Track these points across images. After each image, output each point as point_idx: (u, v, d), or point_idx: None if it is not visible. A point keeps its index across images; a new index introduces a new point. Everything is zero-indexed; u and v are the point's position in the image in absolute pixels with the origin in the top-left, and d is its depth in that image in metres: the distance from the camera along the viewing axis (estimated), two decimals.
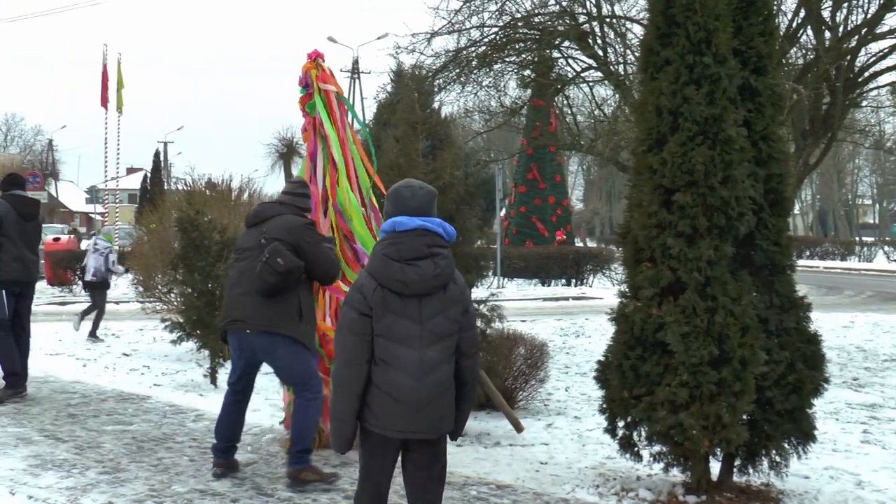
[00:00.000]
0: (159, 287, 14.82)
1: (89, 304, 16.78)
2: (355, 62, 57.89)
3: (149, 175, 64.45)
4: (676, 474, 6.76)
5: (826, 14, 16.31)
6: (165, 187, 50.26)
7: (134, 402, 10.30)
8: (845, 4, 16.32)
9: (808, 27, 16.42)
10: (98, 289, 16.49)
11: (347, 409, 4.54)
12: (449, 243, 4.65)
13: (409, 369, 4.48)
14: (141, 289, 15.80)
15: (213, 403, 9.99)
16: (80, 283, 23.25)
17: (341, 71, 60.42)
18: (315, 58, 8.24)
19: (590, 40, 17.08)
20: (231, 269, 7.45)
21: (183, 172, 60.25)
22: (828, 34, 16.41)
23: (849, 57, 16.20)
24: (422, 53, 17.16)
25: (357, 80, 57.69)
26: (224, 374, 11.58)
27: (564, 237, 38.71)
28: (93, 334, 15.95)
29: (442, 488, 4.79)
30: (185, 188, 17.58)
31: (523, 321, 17.87)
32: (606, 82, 18.35)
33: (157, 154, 67.00)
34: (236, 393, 7.17)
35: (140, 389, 11.14)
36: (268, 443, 8.32)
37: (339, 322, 4.68)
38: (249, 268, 6.87)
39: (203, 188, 15.74)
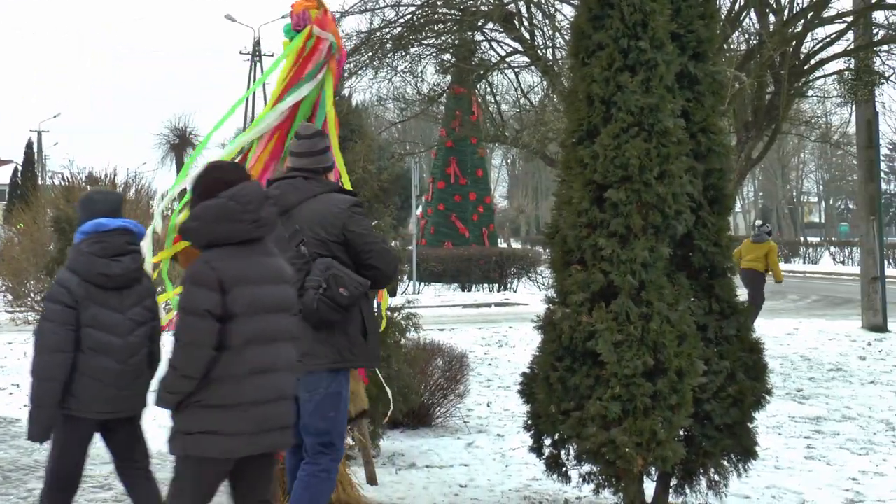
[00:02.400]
0: (32, 295, 14.53)
1: None
2: (256, 43, 57.42)
3: (20, 168, 63.04)
4: (607, 496, 6.84)
5: None
6: (40, 182, 49.24)
7: (0, 427, 10.08)
8: None
9: (752, 10, 16.77)
10: None
11: (51, 397, 5.45)
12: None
13: (116, 355, 5.44)
14: (10, 297, 15.50)
15: None
16: None
17: (240, 53, 59.97)
18: None
19: (515, 22, 17.21)
20: None
21: (60, 166, 59.15)
22: (772, 17, 16.78)
23: (794, 43, 16.59)
24: None
25: (258, 63, 57.23)
26: None
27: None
28: None
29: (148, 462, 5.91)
30: (62, 183, 17.31)
31: (441, 330, 17.93)
32: (533, 68, 18.51)
33: (29, 144, 65.61)
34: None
35: (8, 412, 10.93)
36: (156, 469, 8.20)
37: (43, 315, 5.57)
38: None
39: (83, 183, 15.47)
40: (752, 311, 16.06)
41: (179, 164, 53.54)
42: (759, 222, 18.89)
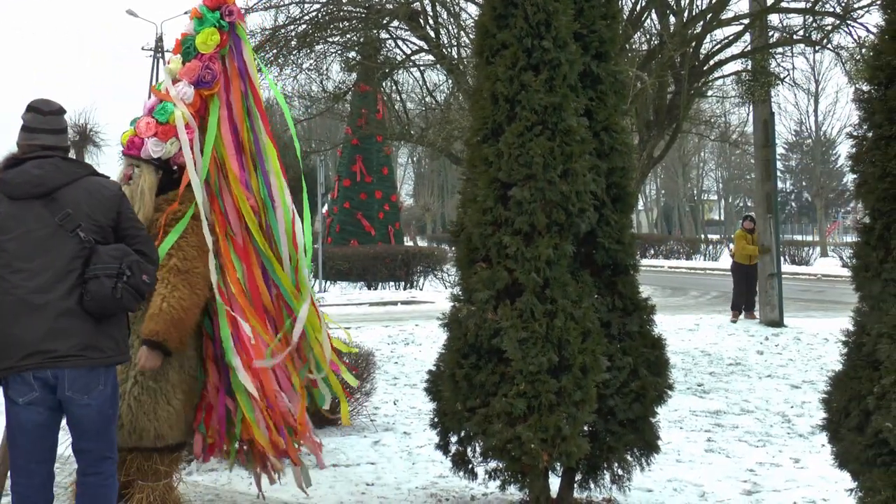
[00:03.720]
0: None
1: None
2: (159, 39, 56.53)
3: None
4: (514, 492, 6.88)
5: None
6: None
7: None
8: None
9: (653, 11, 17.00)
10: None
11: None
12: None
13: None
14: None
15: None
16: None
17: (143, 49, 59.07)
18: None
19: (421, 20, 17.20)
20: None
21: None
22: (673, 19, 17.04)
23: (694, 44, 16.85)
24: None
25: (161, 59, 56.35)
26: None
27: None
28: None
29: None
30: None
31: (348, 328, 17.84)
32: (439, 66, 18.54)
33: None
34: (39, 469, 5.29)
35: None
36: (59, 472, 8.02)
37: None
38: (60, 272, 5.08)
39: None
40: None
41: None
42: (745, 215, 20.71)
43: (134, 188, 6.24)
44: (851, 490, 5.38)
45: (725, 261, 52.48)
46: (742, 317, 20.55)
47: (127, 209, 5.42)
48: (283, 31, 16.96)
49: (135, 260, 5.20)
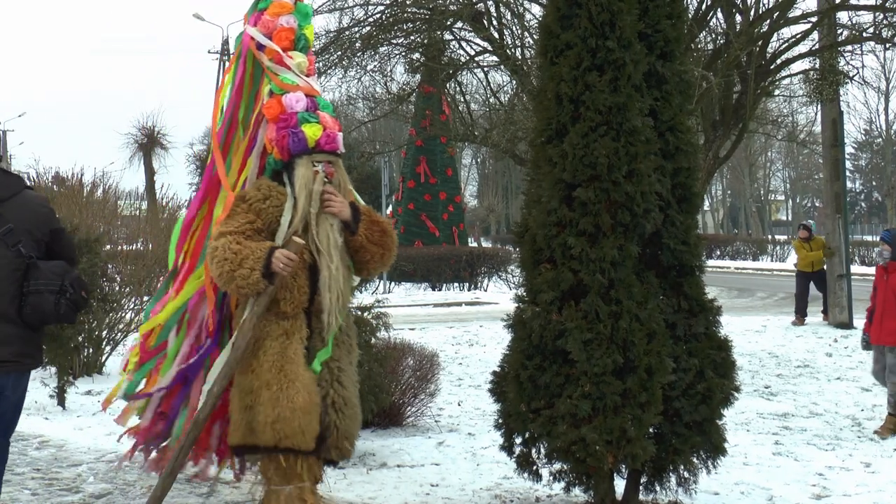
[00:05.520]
0: None
1: None
2: (225, 42, 57.08)
3: None
4: (578, 494, 6.86)
5: None
6: None
7: None
8: None
9: (718, 10, 16.87)
10: None
11: None
12: None
13: None
14: None
15: (60, 428, 9.78)
16: None
17: (209, 52, 59.84)
18: None
19: (485, 21, 17.23)
20: None
21: (26, 165, 58.63)
22: (739, 17, 16.89)
23: (760, 42, 16.70)
24: None
25: (227, 62, 56.98)
26: (74, 393, 11.35)
27: None
28: None
29: None
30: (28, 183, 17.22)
31: (412, 329, 17.92)
32: (502, 67, 18.53)
33: None
34: None
35: None
36: (124, 470, 8.15)
37: None
38: (2, 284, 5.30)
39: (50, 183, 15.39)
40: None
41: (147, 164, 53.15)
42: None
43: (336, 184, 6.36)
44: None
45: (793, 262, 51.94)
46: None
47: (59, 224, 5.67)
48: (347, 33, 17.10)
49: (76, 277, 5.49)
